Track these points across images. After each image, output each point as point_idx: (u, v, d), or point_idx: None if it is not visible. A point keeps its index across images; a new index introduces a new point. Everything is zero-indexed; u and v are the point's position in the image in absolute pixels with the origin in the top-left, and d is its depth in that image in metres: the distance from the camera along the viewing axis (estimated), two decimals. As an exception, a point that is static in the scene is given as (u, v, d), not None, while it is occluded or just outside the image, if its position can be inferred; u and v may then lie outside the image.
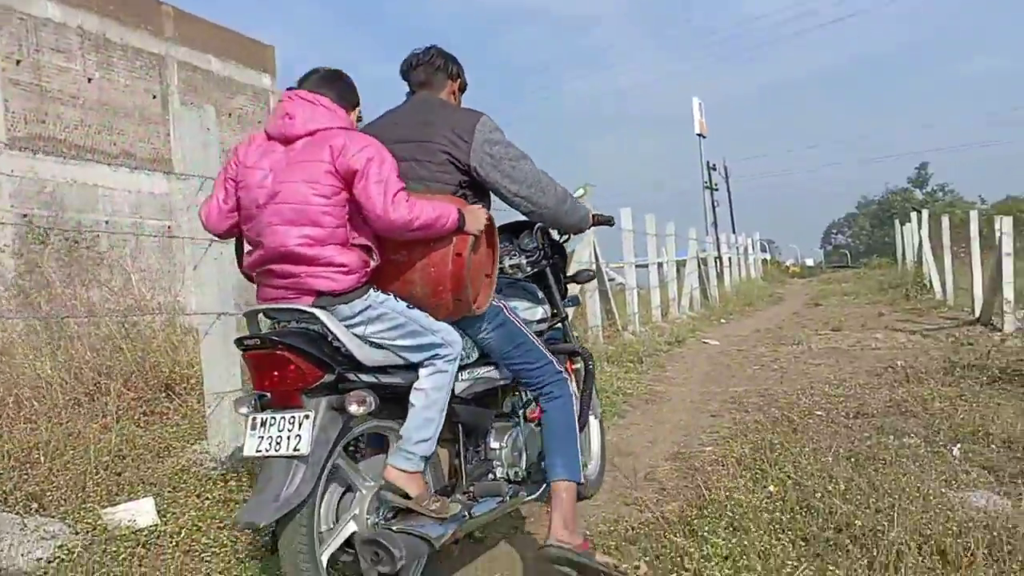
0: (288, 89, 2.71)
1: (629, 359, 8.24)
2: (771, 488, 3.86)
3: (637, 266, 11.90)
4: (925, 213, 16.98)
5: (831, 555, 3.18)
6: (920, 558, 3.28)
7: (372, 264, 2.60)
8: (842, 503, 3.67)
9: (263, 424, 2.47)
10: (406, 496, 2.60)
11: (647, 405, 6.44)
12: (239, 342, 2.55)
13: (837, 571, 3.01)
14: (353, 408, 2.46)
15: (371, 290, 2.59)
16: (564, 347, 3.49)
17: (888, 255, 46.01)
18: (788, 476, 4.14)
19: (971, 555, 3.31)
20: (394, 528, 2.54)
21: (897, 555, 3.22)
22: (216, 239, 3.47)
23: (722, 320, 13.94)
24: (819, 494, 3.75)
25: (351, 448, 2.76)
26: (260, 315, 2.67)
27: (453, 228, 2.60)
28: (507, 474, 3.15)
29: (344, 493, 2.65)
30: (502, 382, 3.14)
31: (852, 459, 4.67)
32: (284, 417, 2.45)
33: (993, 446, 5.07)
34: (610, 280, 11.84)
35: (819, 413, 5.89)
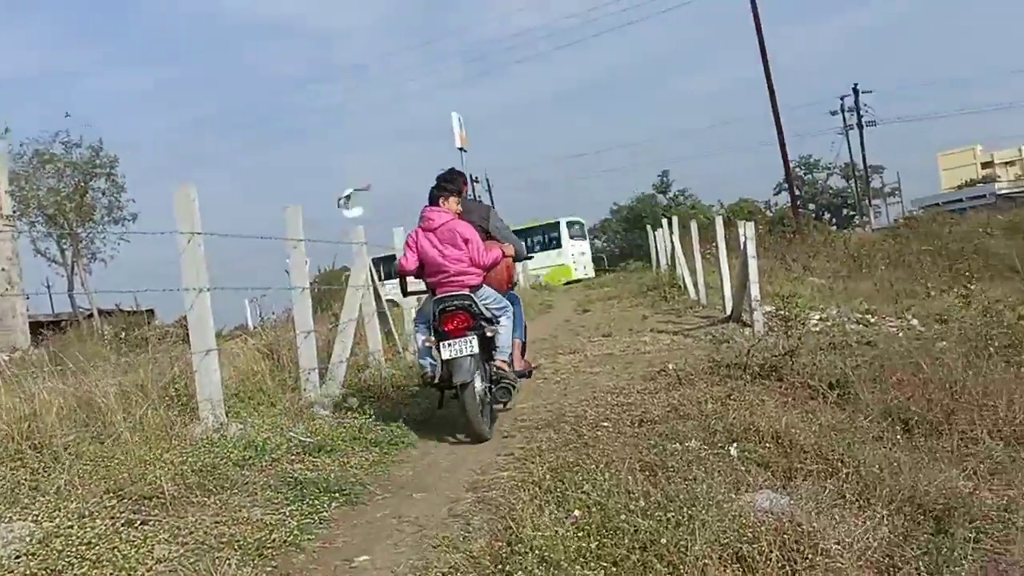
0: (428, 206, 6.43)
1: (415, 383, 8.07)
2: (576, 512, 3.84)
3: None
4: (675, 219, 18.20)
5: (642, 578, 3.19)
6: (722, 568, 3.38)
7: (483, 276, 6.30)
8: (644, 520, 3.72)
9: (450, 344, 5.95)
10: (502, 370, 6.28)
11: (439, 432, 6.30)
12: (441, 307, 6.04)
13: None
14: (488, 333, 6.12)
15: (484, 286, 6.28)
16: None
17: (642, 258, 49.19)
18: (588, 496, 4.16)
19: (766, 558, 3.46)
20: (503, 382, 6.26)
21: (702, 570, 3.29)
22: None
23: (498, 333, 14.11)
24: (622, 514, 3.79)
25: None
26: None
27: (501, 257, 6.54)
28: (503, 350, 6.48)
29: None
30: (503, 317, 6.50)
31: (645, 471, 4.80)
32: (462, 340, 5.95)
33: (765, 443, 5.41)
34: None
35: (606, 425, 6.03)
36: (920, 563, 3.68)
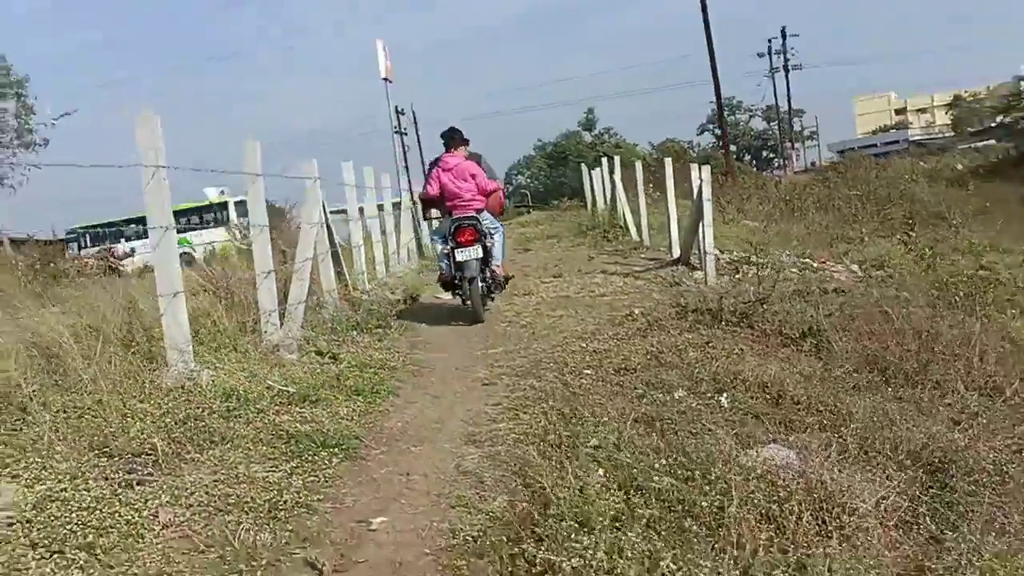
0: (447, 151, 8.84)
1: (375, 324, 7.83)
2: (600, 471, 3.74)
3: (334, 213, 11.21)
4: (617, 159, 18.05)
5: (687, 544, 3.11)
6: (757, 529, 3.33)
7: (485, 203, 8.68)
8: (668, 478, 3.65)
9: (462, 250, 8.29)
10: (496, 272, 8.66)
11: (416, 379, 6.12)
12: (456, 224, 8.43)
13: (703, 563, 2.95)
14: (488, 243, 8.43)
15: (484, 211, 8.63)
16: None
17: (568, 195, 49.10)
18: (598, 452, 4.06)
19: (798, 518, 3.42)
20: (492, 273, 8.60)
21: (739, 532, 3.24)
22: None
23: (443, 271, 13.88)
24: (641, 474, 3.70)
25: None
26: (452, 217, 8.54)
27: (499, 188, 9.06)
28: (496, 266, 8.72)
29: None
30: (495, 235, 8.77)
31: (642, 423, 4.74)
32: (471, 248, 8.29)
33: (752, 393, 5.41)
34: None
35: (588, 372, 5.95)
36: (933, 521, 3.72)
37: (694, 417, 4.89)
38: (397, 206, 16.28)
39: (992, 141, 34.40)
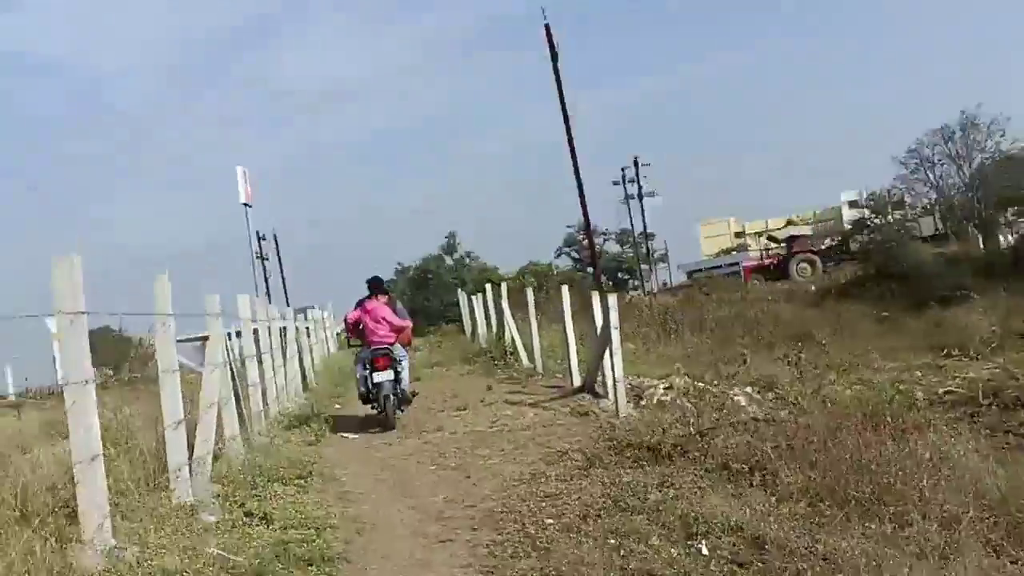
0: (369, 296, 10.79)
1: (293, 475, 7.17)
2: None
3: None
4: (504, 286, 18.09)
5: None
6: None
7: (395, 338, 10.56)
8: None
9: (378, 373, 10.16)
10: (405, 390, 10.59)
11: (360, 538, 5.55)
12: (373, 353, 10.37)
13: None
14: (399, 368, 10.34)
15: (396, 343, 10.54)
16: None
17: (432, 319, 48.91)
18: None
19: None
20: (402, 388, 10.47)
21: None
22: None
23: (336, 405, 13.18)
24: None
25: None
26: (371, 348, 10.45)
27: (408, 325, 11.09)
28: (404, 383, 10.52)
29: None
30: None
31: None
32: (385, 371, 10.14)
33: (729, 536, 5.19)
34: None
35: (550, 522, 5.59)
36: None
37: (683, 571, 4.62)
38: (282, 334, 15.52)
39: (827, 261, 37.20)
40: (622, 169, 53.86)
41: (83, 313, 4.77)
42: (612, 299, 10.89)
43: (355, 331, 10.91)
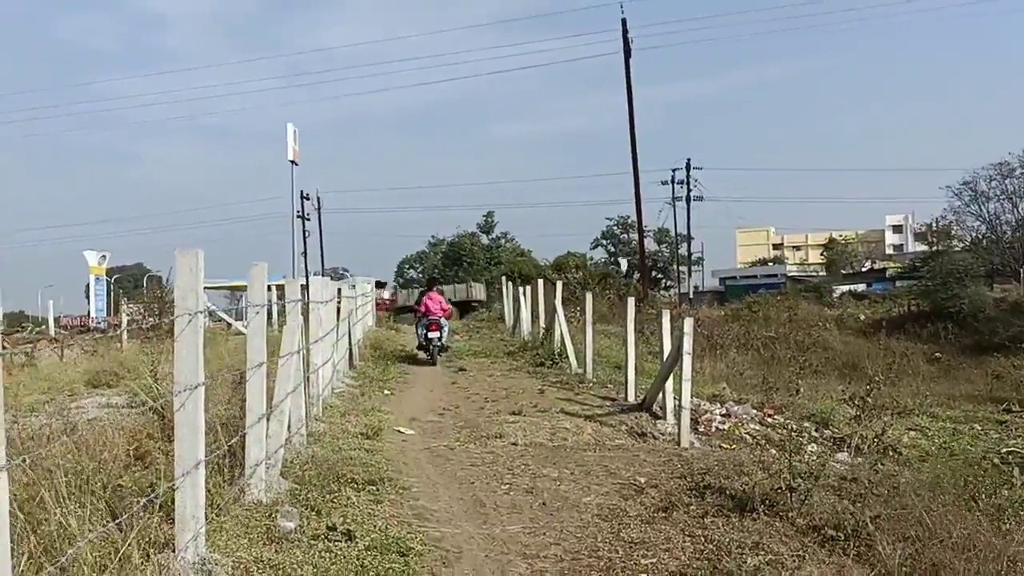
0: (429, 289, 18.66)
1: (363, 479, 6.95)
2: None
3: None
4: (559, 285, 17.79)
5: None
6: None
7: (443, 314, 17.55)
8: None
9: (432, 333, 17.10)
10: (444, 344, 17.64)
11: (446, 568, 5.31)
12: (429, 321, 17.22)
13: None
14: (443, 332, 17.35)
15: (442, 318, 17.41)
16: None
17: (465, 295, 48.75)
18: None
19: None
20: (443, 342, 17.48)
21: None
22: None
23: (385, 392, 12.99)
24: None
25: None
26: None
27: (450, 308, 18.78)
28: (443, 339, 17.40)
29: None
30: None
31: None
32: (437, 332, 17.13)
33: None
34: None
35: (644, 576, 5.33)
36: None
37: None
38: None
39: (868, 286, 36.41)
40: (672, 170, 53.25)
41: (200, 313, 4.55)
42: (688, 323, 10.57)
43: (419, 311, 17.67)
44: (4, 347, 17.49)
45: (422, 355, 17.23)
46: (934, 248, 46.45)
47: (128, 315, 23.33)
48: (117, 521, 4.49)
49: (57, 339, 24.48)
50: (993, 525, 6.80)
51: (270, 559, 4.73)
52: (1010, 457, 13.55)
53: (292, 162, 52.68)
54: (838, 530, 6.46)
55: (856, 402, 12.07)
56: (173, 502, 4.60)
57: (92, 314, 38.84)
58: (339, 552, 5.13)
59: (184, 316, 4.44)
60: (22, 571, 3.92)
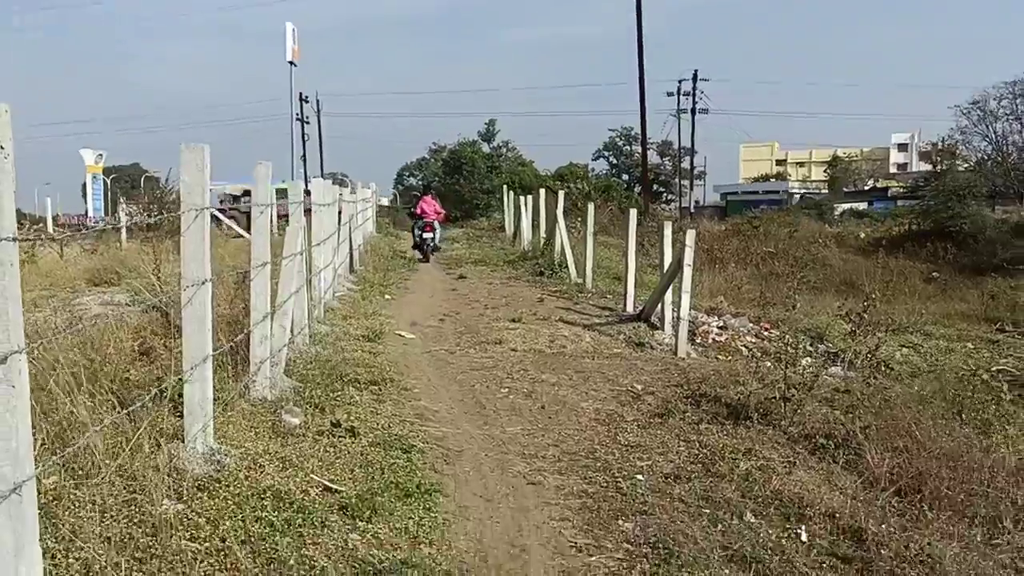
0: (423, 194, 21.00)
1: (366, 380, 7.07)
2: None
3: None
4: (561, 194, 17.70)
5: None
6: None
7: (437, 217, 20.00)
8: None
9: (426, 233, 19.49)
10: (437, 244, 20.13)
11: (448, 467, 5.46)
12: (423, 222, 19.64)
13: None
14: (436, 232, 19.88)
15: (435, 221, 19.81)
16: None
17: (463, 206, 48.65)
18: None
19: None
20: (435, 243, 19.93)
21: None
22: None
23: (386, 296, 13.09)
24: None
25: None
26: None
27: (442, 212, 20.91)
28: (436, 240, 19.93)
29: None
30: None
31: (737, 564, 4.36)
32: (430, 232, 19.55)
33: (824, 524, 5.08)
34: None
35: (639, 477, 5.48)
36: None
37: (786, 559, 4.53)
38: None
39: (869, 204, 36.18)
40: (678, 81, 52.27)
41: (206, 208, 4.55)
42: (690, 236, 10.59)
43: (415, 214, 19.93)
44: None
45: (417, 254, 19.28)
46: (938, 168, 45.99)
47: (127, 215, 23.22)
48: (128, 410, 4.59)
49: (55, 237, 24.44)
50: (979, 438, 6.99)
51: (277, 451, 4.86)
52: (1000, 374, 13.81)
53: (291, 63, 51.49)
54: (828, 439, 6.65)
55: (852, 318, 12.25)
56: (181, 396, 4.70)
57: (90, 213, 38.72)
58: (343, 447, 5.26)
59: (191, 212, 4.44)
60: (36, 456, 4.03)
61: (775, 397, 7.12)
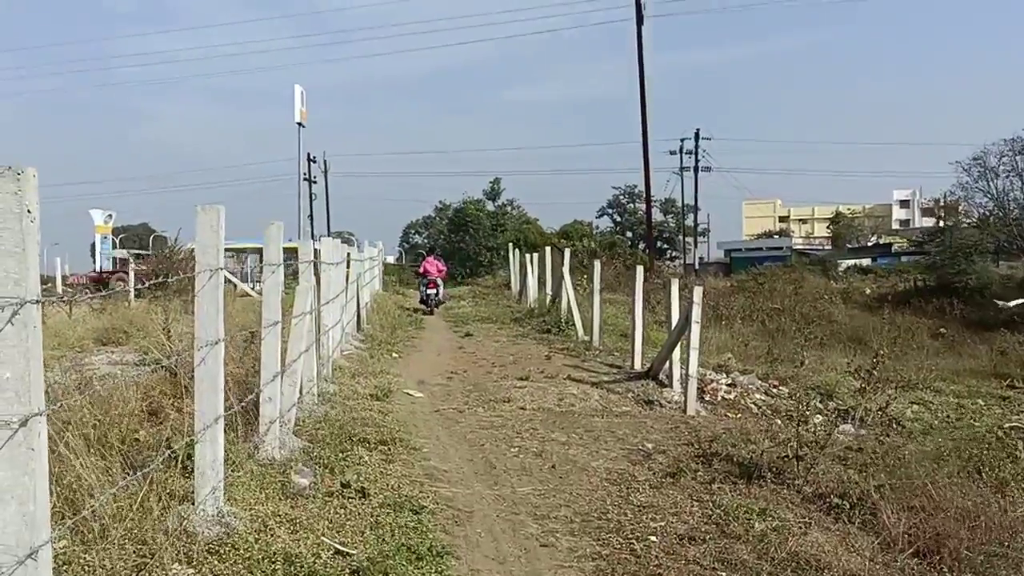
0: (427, 255, 25.02)
1: (375, 439, 7.02)
2: None
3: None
4: (567, 251, 17.77)
5: None
6: None
7: (439, 275, 22.50)
8: None
9: (431, 291, 21.58)
10: (440, 299, 22.35)
11: (460, 529, 5.39)
12: (427, 280, 21.95)
13: None
14: (440, 288, 22.22)
15: (438, 278, 22.20)
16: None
17: (468, 264, 48.88)
18: None
19: None
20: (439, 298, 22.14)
21: None
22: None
23: (393, 354, 13.08)
24: None
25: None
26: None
27: (445, 269, 23.90)
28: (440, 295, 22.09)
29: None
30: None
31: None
32: (434, 290, 21.66)
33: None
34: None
35: (653, 539, 5.40)
36: None
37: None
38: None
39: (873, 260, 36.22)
40: (681, 140, 52.87)
41: (221, 269, 4.58)
42: (698, 293, 10.61)
43: (421, 273, 22.25)
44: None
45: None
46: (941, 224, 46.16)
47: (136, 272, 23.38)
48: (140, 472, 4.56)
49: (64, 299, 24.55)
50: (996, 497, 6.89)
51: (286, 513, 4.81)
52: (1013, 432, 13.67)
53: (299, 124, 52.21)
54: (843, 499, 6.56)
55: (861, 374, 12.17)
56: (190, 457, 4.68)
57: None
58: (353, 508, 5.21)
59: (205, 272, 4.47)
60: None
61: (787, 456, 7.05)
